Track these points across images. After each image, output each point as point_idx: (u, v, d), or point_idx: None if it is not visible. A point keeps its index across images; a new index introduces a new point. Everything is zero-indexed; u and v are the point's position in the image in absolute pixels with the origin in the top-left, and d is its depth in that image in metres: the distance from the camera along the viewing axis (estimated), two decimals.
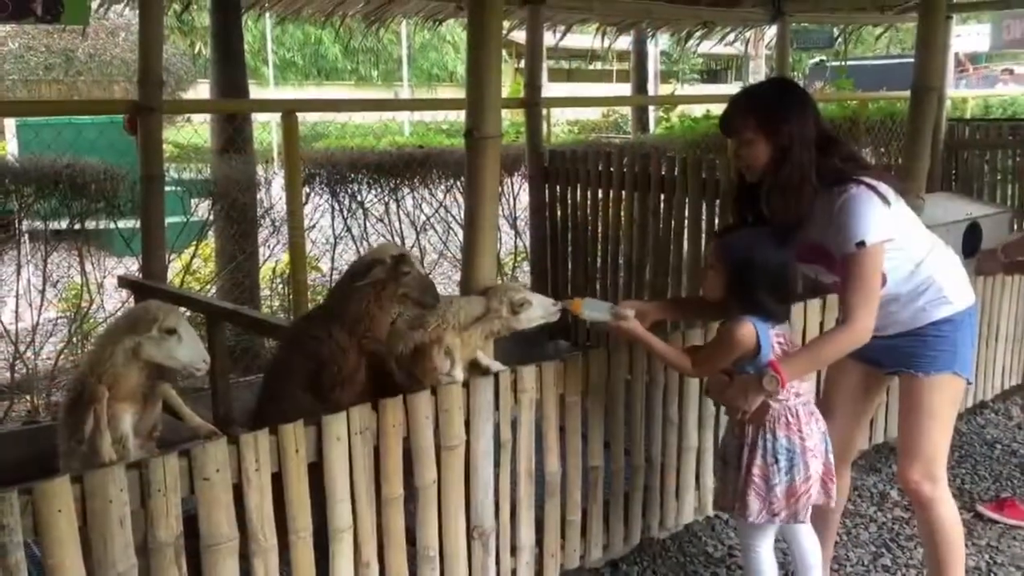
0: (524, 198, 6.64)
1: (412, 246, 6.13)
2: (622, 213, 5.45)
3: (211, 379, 4.05)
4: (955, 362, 2.69)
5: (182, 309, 5.08)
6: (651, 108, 9.93)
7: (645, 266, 5.40)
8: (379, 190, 5.78)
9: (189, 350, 2.58)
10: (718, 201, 4.88)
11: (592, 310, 2.78)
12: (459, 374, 2.72)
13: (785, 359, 2.54)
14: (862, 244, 2.48)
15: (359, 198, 5.71)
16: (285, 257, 5.77)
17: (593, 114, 20.24)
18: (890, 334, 2.73)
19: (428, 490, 2.66)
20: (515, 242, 6.66)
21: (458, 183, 6.12)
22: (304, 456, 2.37)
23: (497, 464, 2.82)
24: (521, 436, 2.86)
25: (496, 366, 2.83)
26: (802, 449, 2.59)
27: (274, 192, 5.65)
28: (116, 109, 4.59)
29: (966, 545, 3.43)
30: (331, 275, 5.81)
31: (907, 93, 4.47)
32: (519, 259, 6.83)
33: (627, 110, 17.59)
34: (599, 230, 5.59)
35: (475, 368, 2.86)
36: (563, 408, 2.95)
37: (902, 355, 2.74)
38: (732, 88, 26.11)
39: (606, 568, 3.27)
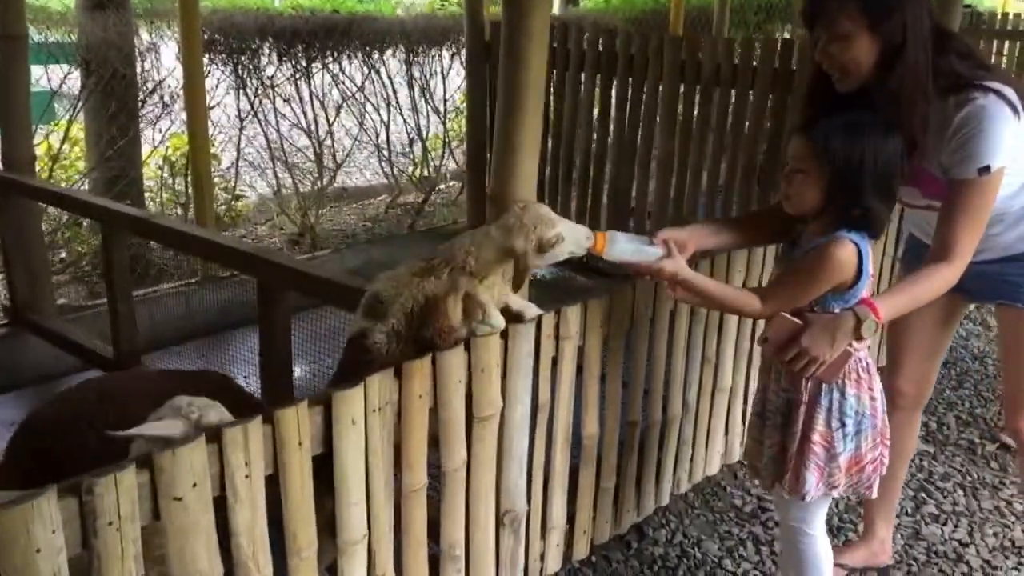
0: (455, 80, 5.86)
1: (325, 136, 5.25)
2: (580, 99, 4.76)
3: (109, 302, 3.19)
4: None
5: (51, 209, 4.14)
6: None
7: (605, 161, 4.76)
8: (290, 64, 4.84)
9: None
10: (698, 87, 4.28)
11: (621, 247, 2.05)
12: (499, 321, 2.03)
13: (881, 298, 1.98)
14: (986, 170, 1.93)
15: (266, 73, 4.77)
16: (173, 142, 4.81)
17: None
18: (987, 259, 2.22)
19: (457, 474, 2.02)
20: (444, 131, 5.87)
21: (384, 57, 5.25)
22: (309, 448, 1.68)
23: (532, 432, 2.19)
24: (561, 394, 2.24)
25: (533, 310, 2.15)
26: (872, 410, 2.06)
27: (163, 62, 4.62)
28: None
29: (1004, 484, 3.13)
30: (236, 167, 4.88)
31: None
32: (454, 143, 6.04)
33: None
34: (551, 119, 4.88)
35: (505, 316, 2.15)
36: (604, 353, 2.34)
37: (1003, 284, 2.26)
38: None
39: (632, 534, 2.74)
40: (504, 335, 2.02)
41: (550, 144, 4.92)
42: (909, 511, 2.96)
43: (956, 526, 2.90)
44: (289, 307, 2.55)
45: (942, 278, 2.01)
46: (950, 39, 2.05)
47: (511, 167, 2.10)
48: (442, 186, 6.22)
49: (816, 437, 2.04)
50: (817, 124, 1.96)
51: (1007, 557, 2.74)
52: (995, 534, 2.85)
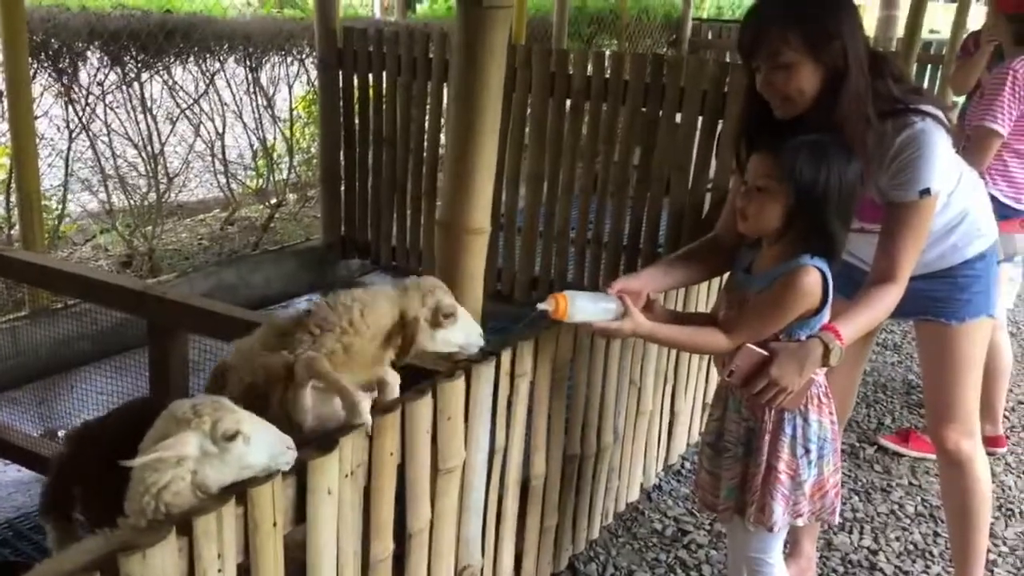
0: (298, 89, 5.52)
1: (160, 150, 4.78)
2: (443, 113, 4.59)
3: None
4: (989, 303, 2.31)
5: None
6: None
7: None
8: (120, 71, 4.36)
9: None
10: (568, 100, 4.23)
11: (582, 307, 1.87)
12: (365, 417, 1.58)
13: (841, 323, 1.97)
14: (926, 192, 1.97)
15: (96, 79, 4.27)
16: None
17: None
18: (910, 276, 2.30)
19: (421, 535, 1.81)
20: (290, 142, 5.50)
21: (223, 63, 4.86)
22: (282, 528, 1.43)
23: (488, 478, 2.02)
24: (514, 434, 2.08)
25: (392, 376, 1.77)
26: (833, 434, 2.06)
27: None
28: None
29: (892, 487, 3.26)
30: (65, 184, 4.33)
31: None
32: (307, 167, 5.68)
33: None
34: (411, 133, 4.67)
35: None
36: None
37: (926, 300, 2.31)
38: None
39: (565, 573, 2.61)
40: (467, 377, 1.83)
41: (410, 166, 4.72)
42: None
43: (862, 533, 2.97)
44: (186, 350, 2.24)
45: (891, 298, 2.02)
46: (884, 61, 2.07)
47: (466, 191, 1.90)
48: (284, 198, 5.85)
49: (781, 466, 1.99)
50: (784, 143, 1.92)
51: (914, 561, 2.84)
52: (897, 538, 2.95)
